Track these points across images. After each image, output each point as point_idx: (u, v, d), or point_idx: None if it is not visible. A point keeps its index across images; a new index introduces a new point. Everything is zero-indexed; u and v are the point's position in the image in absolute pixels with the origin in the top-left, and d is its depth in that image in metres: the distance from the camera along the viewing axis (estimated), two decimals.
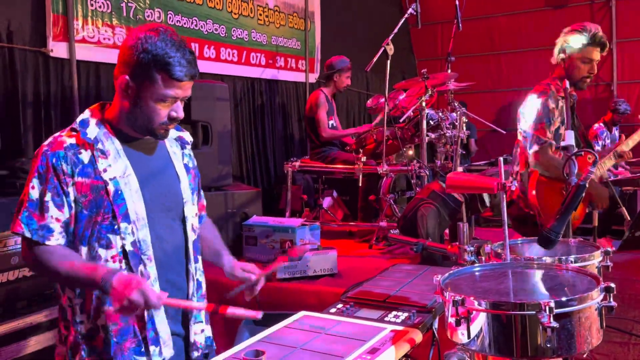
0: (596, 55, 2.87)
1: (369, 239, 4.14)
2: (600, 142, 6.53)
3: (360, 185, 4.31)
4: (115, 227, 1.53)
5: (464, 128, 4.10)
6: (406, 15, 4.36)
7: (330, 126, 4.83)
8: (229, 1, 5.41)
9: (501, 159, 1.73)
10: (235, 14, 5.53)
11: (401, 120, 4.39)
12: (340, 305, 1.81)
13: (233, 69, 5.46)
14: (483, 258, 1.75)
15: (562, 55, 2.91)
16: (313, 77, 6.64)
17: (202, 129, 3.98)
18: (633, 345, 2.73)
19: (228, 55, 5.38)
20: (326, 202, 5.09)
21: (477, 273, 1.56)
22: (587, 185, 1.50)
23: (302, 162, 4.69)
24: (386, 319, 1.67)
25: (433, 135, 4.14)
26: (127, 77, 1.53)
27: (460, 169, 4.12)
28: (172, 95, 1.54)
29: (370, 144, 4.47)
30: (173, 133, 1.74)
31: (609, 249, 1.72)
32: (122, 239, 1.53)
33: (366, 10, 7.71)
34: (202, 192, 1.87)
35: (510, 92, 8.05)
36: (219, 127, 4.10)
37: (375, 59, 4.22)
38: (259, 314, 1.48)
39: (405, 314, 1.69)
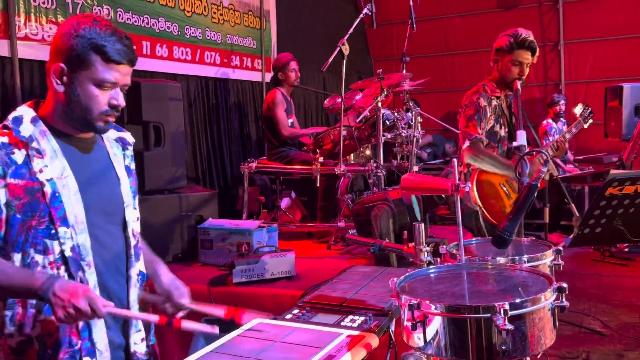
0: (526, 57, 3.03)
1: (328, 239, 4.12)
2: (550, 139, 6.68)
3: (318, 185, 4.29)
4: (53, 231, 1.43)
5: (419, 128, 4.14)
6: (361, 15, 4.36)
7: (289, 125, 4.79)
8: None
9: (455, 159, 1.73)
10: (188, 11, 5.40)
11: (357, 120, 4.40)
12: (296, 311, 1.78)
13: (186, 68, 5.33)
14: (439, 260, 1.75)
15: (495, 58, 3.10)
16: (269, 77, 6.56)
17: (154, 130, 3.86)
18: (583, 337, 2.81)
19: (181, 54, 5.25)
20: (284, 203, 5.05)
21: (432, 275, 1.55)
22: (538, 185, 1.53)
23: (259, 162, 4.62)
24: (342, 323, 1.65)
25: (389, 135, 4.16)
26: (61, 64, 1.45)
27: (415, 169, 4.16)
28: (111, 79, 1.46)
29: (327, 144, 4.46)
30: (113, 134, 1.65)
31: (560, 247, 1.76)
32: (61, 244, 1.44)
33: (322, 10, 7.70)
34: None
35: (464, 92, 8.20)
36: (172, 127, 3.99)
37: (331, 59, 4.21)
38: (215, 329, 1.42)
39: (362, 318, 1.66)
